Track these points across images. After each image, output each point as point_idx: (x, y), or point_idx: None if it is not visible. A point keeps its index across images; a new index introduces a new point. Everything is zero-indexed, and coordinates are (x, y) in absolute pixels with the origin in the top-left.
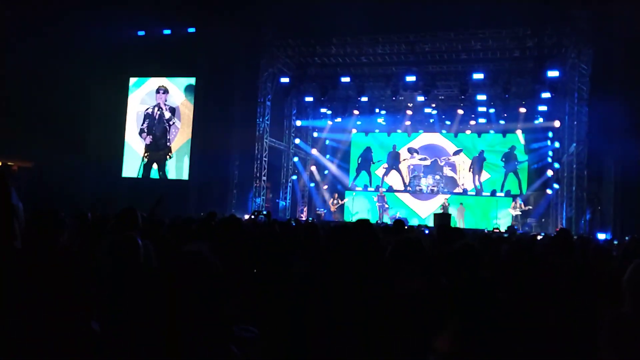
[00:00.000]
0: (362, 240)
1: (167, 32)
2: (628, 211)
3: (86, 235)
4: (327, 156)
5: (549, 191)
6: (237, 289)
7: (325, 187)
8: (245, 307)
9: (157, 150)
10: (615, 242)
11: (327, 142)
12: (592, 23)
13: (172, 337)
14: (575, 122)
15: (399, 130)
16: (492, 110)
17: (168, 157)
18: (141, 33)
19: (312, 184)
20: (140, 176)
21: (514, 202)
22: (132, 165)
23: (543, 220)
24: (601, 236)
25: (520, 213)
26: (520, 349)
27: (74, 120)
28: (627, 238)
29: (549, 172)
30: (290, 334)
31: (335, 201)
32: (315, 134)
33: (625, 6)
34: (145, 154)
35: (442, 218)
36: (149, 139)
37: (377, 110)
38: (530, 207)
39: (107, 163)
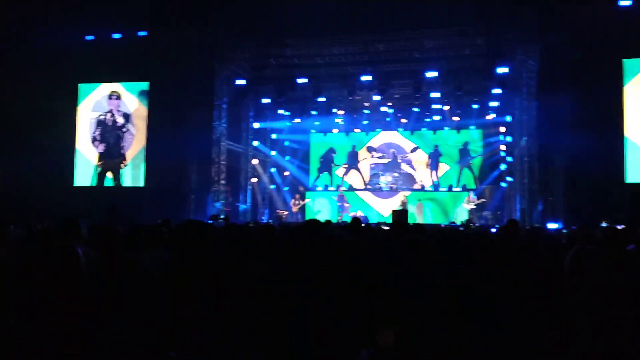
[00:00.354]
0: (310, 239)
1: (117, 36)
2: (577, 201)
3: (31, 246)
4: (287, 157)
5: (502, 184)
6: (188, 295)
7: (286, 188)
8: (199, 311)
9: (111, 158)
10: (565, 232)
11: (286, 143)
12: (538, 20)
13: (109, 344)
14: (525, 117)
15: (357, 130)
16: (446, 108)
17: (122, 165)
18: (90, 38)
19: (273, 186)
20: (94, 184)
21: (467, 197)
22: (84, 174)
23: (498, 212)
24: (552, 226)
25: (474, 207)
26: (463, 340)
27: (22, 128)
28: (573, 227)
29: (502, 166)
30: (246, 333)
31: (297, 202)
32: (274, 136)
33: (570, 3)
34: (99, 163)
35: (400, 214)
36: (101, 147)
37: (334, 111)
38: (484, 200)
39: (58, 172)
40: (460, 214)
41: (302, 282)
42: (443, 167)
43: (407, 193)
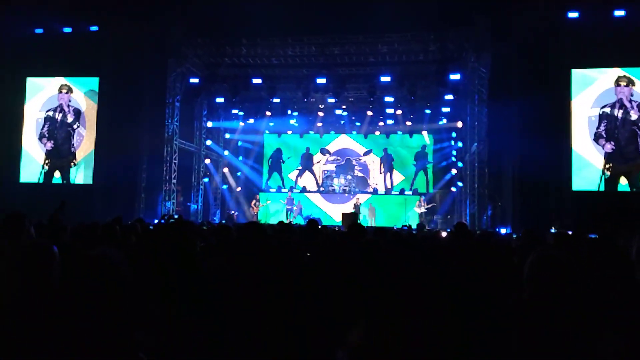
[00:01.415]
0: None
1: (67, 30)
2: (526, 206)
3: None
4: (240, 158)
5: (453, 189)
6: (147, 292)
7: (239, 189)
8: (156, 310)
9: (60, 157)
10: (514, 236)
11: (240, 143)
12: (490, 29)
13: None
14: (476, 123)
15: (311, 132)
16: (399, 112)
17: (72, 164)
18: (39, 31)
19: (225, 186)
20: (40, 181)
21: (418, 202)
22: (30, 171)
23: (449, 217)
24: (502, 230)
25: (425, 211)
26: (426, 340)
27: None
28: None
29: (453, 171)
30: (203, 329)
31: (257, 203)
32: (227, 136)
33: (521, 14)
34: (46, 161)
35: (349, 217)
36: (49, 145)
37: (289, 112)
38: (435, 204)
39: (3, 168)
40: (412, 217)
41: (274, 284)
42: (397, 176)
43: (359, 197)
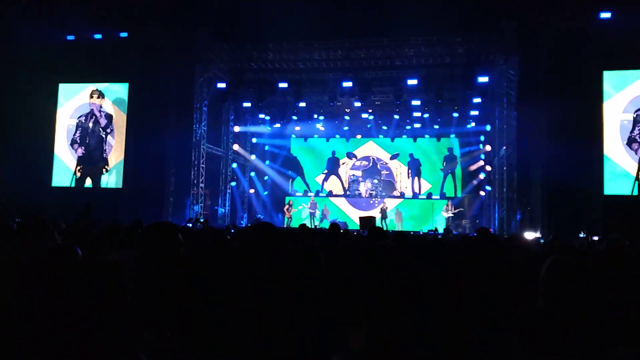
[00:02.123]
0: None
1: (98, 36)
2: (555, 211)
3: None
4: (267, 162)
5: (482, 193)
6: (158, 297)
7: (266, 193)
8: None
9: (92, 163)
10: (542, 241)
11: (267, 147)
12: (518, 32)
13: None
14: (504, 126)
15: (337, 136)
16: (426, 115)
17: (104, 170)
18: (70, 37)
19: (252, 190)
20: (72, 185)
21: (445, 206)
22: (62, 176)
23: (477, 221)
24: (530, 235)
25: (452, 215)
26: (435, 347)
27: (1, 128)
28: (550, 237)
29: (482, 175)
30: (206, 335)
31: (290, 208)
32: (254, 140)
33: (548, 17)
34: (78, 167)
35: (367, 221)
36: (81, 151)
37: (315, 116)
38: (462, 209)
39: (35, 172)
40: (439, 222)
41: (272, 287)
42: (424, 182)
43: (388, 201)
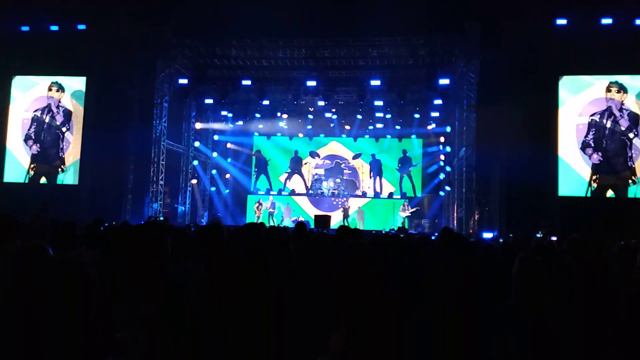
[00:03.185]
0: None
1: (54, 28)
2: (512, 211)
3: None
4: (229, 159)
5: (441, 193)
6: (123, 295)
7: (227, 191)
8: (135, 313)
9: (47, 162)
10: (501, 240)
11: (229, 145)
12: (480, 35)
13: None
14: (464, 128)
15: (300, 134)
16: (388, 116)
17: (60, 170)
18: (25, 28)
19: (213, 188)
20: (26, 181)
21: (402, 205)
22: (15, 172)
23: (436, 220)
24: (487, 235)
25: (409, 214)
26: (409, 346)
27: None
28: (510, 236)
29: (441, 175)
30: (179, 337)
31: (260, 207)
32: (216, 137)
33: (511, 20)
34: (32, 166)
35: (321, 219)
36: (35, 148)
37: (278, 114)
38: (418, 208)
39: None
40: (399, 221)
41: (254, 289)
42: (386, 182)
43: (351, 201)
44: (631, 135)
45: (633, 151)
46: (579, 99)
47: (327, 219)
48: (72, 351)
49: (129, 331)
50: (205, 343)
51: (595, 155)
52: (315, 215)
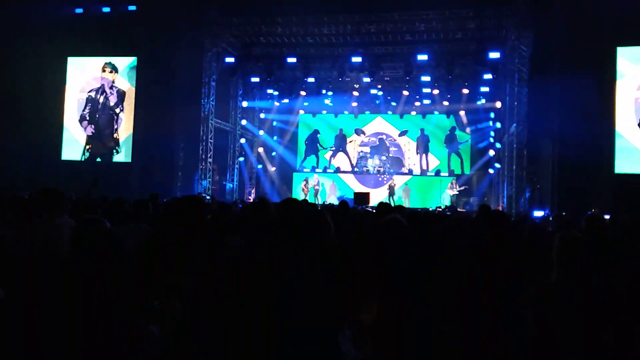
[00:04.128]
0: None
1: (106, 9)
2: (564, 189)
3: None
4: (275, 137)
5: (490, 170)
6: (165, 267)
7: (273, 169)
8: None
9: (102, 141)
10: (551, 219)
11: (275, 123)
12: (531, 6)
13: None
14: (515, 103)
15: (345, 112)
16: (436, 92)
17: (115, 151)
18: (79, 11)
19: (260, 166)
20: (83, 159)
21: (450, 183)
22: (72, 150)
23: (485, 199)
24: (538, 213)
25: (457, 193)
26: (444, 322)
27: (7, 100)
28: (563, 214)
29: (491, 152)
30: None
31: (307, 184)
32: (262, 115)
33: None
34: (87, 147)
35: (360, 196)
36: (90, 129)
37: (324, 92)
38: (466, 187)
39: (45, 146)
40: (445, 199)
41: (285, 262)
42: (433, 158)
43: (397, 178)
44: None
45: None
46: (638, 70)
47: (366, 195)
48: (119, 313)
49: (165, 300)
50: (242, 313)
51: None
52: (355, 193)
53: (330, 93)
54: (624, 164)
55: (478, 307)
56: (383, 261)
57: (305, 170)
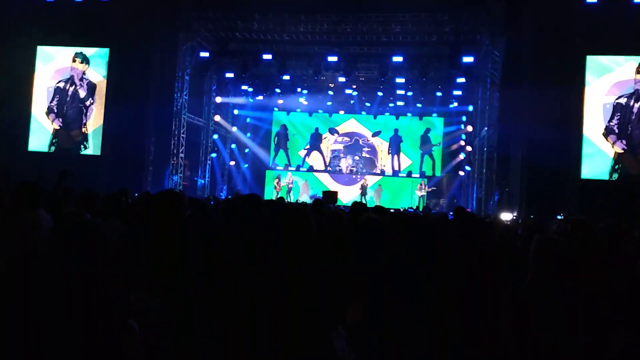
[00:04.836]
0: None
1: None
2: (533, 192)
3: None
4: (248, 134)
5: (461, 173)
6: (140, 262)
7: (246, 165)
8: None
9: (69, 135)
10: (520, 222)
11: (248, 120)
12: (505, 13)
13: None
14: (487, 107)
15: (320, 111)
16: (410, 93)
17: (83, 146)
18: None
19: (232, 162)
20: (50, 151)
21: (419, 185)
22: (40, 140)
23: (455, 200)
24: (507, 216)
25: (425, 194)
26: (426, 320)
27: None
28: (531, 217)
29: (462, 155)
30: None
31: (280, 182)
32: (236, 112)
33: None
34: (54, 140)
35: (328, 195)
36: (57, 123)
37: (299, 90)
38: (434, 188)
39: (12, 135)
40: (415, 200)
41: (278, 261)
42: (405, 159)
43: (369, 178)
44: None
45: None
46: (606, 79)
47: (334, 194)
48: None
49: (142, 295)
50: (223, 312)
51: (619, 144)
52: (323, 192)
53: (305, 91)
54: (590, 169)
55: (458, 307)
56: (367, 262)
57: (278, 168)
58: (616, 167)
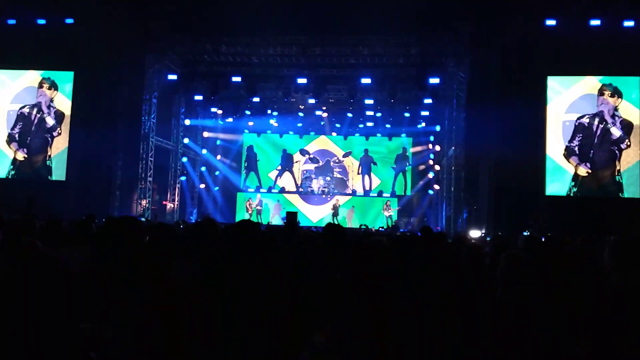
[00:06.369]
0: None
1: (41, 22)
2: (500, 210)
3: None
4: (218, 157)
5: (430, 192)
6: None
7: (216, 188)
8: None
9: (31, 162)
10: (488, 239)
11: (218, 142)
12: (470, 35)
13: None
14: (454, 127)
15: (290, 132)
16: (379, 114)
17: (48, 176)
18: (12, 22)
19: (202, 185)
20: (8, 176)
21: (385, 205)
22: (0, 165)
23: (425, 219)
24: (475, 234)
25: (392, 214)
26: (397, 341)
27: None
28: (499, 234)
29: (431, 174)
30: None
31: (252, 204)
32: (205, 134)
33: (501, 21)
34: (12, 167)
35: (291, 215)
36: (21, 154)
37: (269, 112)
38: (400, 208)
39: None
40: (384, 219)
41: (238, 285)
42: (375, 179)
43: (341, 198)
44: (623, 145)
45: (621, 163)
46: (566, 96)
47: (294, 215)
48: (57, 342)
49: (94, 325)
50: (193, 338)
51: (582, 168)
52: (287, 212)
53: (275, 113)
54: (554, 186)
55: (428, 325)
56: (361, 283)
57: (249, 190)
58: (576, 184)
